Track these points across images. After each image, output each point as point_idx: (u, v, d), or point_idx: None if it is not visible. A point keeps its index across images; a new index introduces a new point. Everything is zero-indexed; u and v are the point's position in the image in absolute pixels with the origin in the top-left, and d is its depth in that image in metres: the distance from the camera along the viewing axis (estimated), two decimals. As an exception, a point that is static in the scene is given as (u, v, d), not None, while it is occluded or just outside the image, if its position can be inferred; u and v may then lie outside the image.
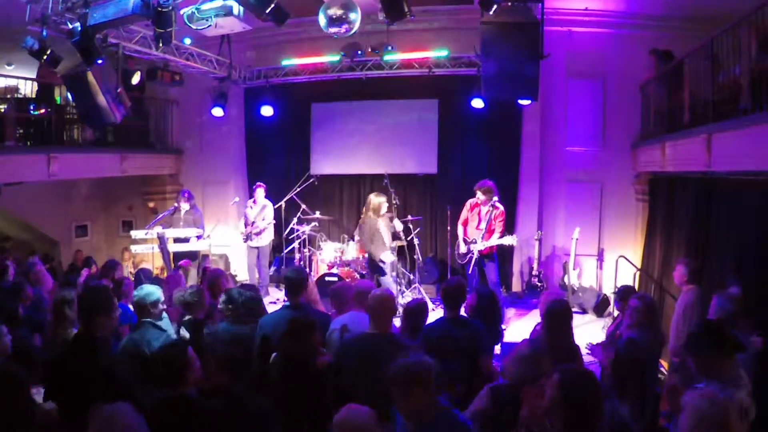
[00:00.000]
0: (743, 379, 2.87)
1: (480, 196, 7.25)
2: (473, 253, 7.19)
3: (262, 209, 8.65)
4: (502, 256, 9.26)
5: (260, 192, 8.67)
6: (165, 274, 7.78)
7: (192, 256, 8.50)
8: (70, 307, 4.41)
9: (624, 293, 4.86)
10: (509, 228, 9.20)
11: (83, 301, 3.28)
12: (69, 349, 3.23)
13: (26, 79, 8.56)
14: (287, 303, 4.24)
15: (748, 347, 3.65)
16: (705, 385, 2.81)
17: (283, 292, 4.77)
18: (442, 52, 8.36)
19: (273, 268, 9.50)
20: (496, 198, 7.22)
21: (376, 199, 7.41)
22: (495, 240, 7.14)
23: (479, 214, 7.33)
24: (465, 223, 7.47)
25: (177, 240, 8.14)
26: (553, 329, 3.62)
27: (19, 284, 5.35)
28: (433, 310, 7.80)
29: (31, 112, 8.03)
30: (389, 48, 8.24)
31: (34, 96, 8.51)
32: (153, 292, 3.88)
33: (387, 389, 2.45)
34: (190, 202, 8.43)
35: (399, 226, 7.66)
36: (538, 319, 4.20)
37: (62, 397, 2.89)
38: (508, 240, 7.19)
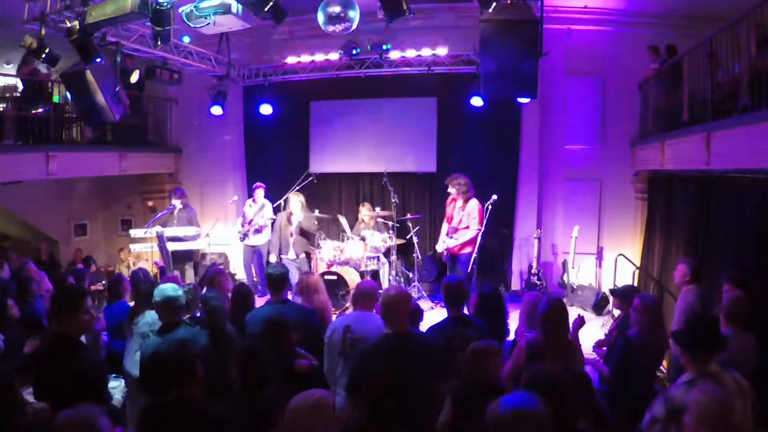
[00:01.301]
0: (724, 375, 2.88)
1: (450, 189, 7.20)
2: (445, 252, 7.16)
3: (261, 208, 8.65)
4: (502, 254, 9.28)
5: (260, 192, 8.69)
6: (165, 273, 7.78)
7: (189, 255, 8.52)
8: None
9: (626, 292, 4.87)
10: (509, 226, 9.24)
11: (53, 301, 3.26)
12: (47, 349, 3.21)
13: (25, 77, 8.53)
14: (270, 299, 4.29)
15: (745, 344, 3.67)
16: (686, 380, 2.86)
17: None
18: (441, 50, 8.35)
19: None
20: (491, 199, 7.15)
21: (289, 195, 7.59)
22: (463, 237, 7.02)
23: (453, 210, 7.29)
24: (449, 221, 7.43)
25: (173, 239, 8.12)
26: (551, 328, 3.60)
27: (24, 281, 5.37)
28: (432, 308, 7.83)
29: (33, 112, 8.02)
30: (388, 46, 8.23)
31: (21, 95, 8.48)
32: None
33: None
34: (182, 201, 8.43)
35: (307, 224, 7.78)
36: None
37: (48, 397, 2.88)
38: (441, 245, 7.15)
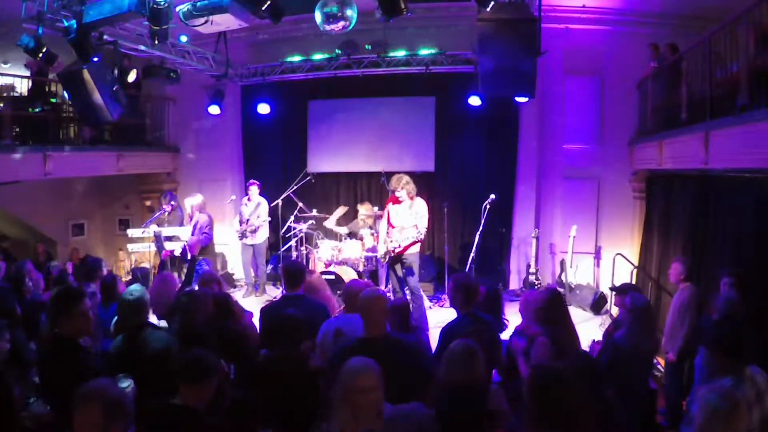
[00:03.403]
0: (754, 378, 2.82)
1: (398, 193, 6.65)
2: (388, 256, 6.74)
3: (257, 207, 8.64)
4: (500, 253, 9.28)
5: (254, 189, 8.67)
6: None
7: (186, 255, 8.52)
8: None
9: (626, 290, 4.86)
10: (507, 225, 9.24)
11: (50, 303, 3.24)
12: (48, 351, 3.21)
13: (22, 77, 8.52)
14: (286, 294, 4.28)
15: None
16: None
17: (281, 289, 4.78)
18: (439, 50, 8.34)
19: (270, 266, 9.48)
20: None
21: None
22: (409, 239, 6.53)
23: (396, 211, 6.80)
24: (389, 223, 6.89)
25: (170, 238, 8.12)
26: (553, 321, 3.61)
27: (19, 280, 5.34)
28: (430, 308, 7.80)
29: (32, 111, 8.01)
30: (386, 45, 8.22)
31: (27, 94, 8.47)
32: None
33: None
34: (172, 203, 8.50)
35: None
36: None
37: (53, 398, 2.88)
38: (383, 247, 6.79)
